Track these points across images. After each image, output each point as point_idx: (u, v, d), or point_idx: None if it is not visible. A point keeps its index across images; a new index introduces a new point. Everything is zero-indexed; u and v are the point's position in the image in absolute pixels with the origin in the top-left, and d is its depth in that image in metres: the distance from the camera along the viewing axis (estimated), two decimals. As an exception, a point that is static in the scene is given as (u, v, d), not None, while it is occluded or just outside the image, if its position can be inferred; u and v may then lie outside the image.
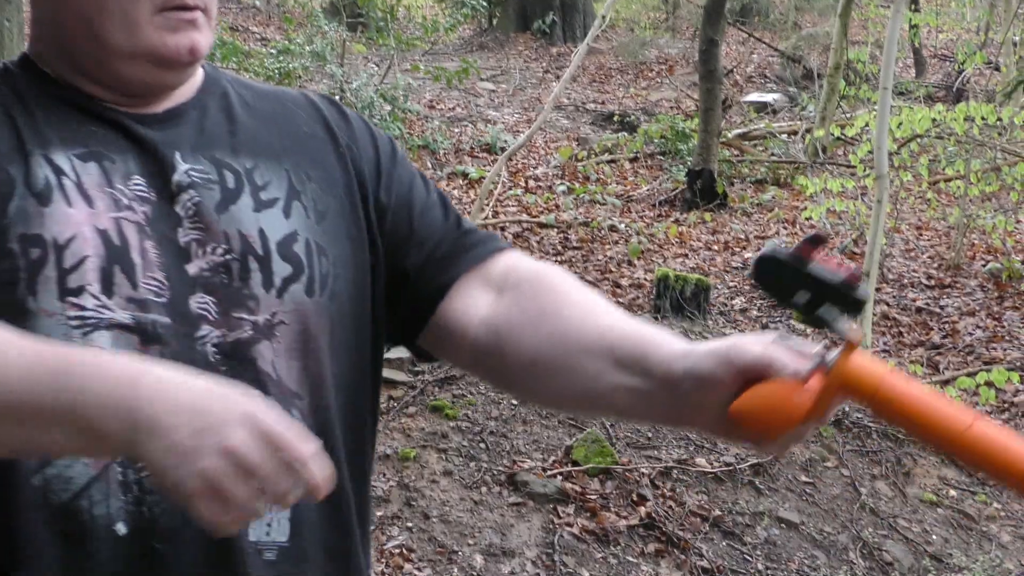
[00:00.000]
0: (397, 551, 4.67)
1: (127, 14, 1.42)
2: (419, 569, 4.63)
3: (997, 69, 16.32)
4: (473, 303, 1.60)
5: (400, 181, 1.65)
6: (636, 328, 1.54)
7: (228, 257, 1.43)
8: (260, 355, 1.42)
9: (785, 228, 11.77)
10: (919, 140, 11.24)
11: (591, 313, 1.58)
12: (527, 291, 1.61)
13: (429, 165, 11.74)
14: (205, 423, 1.14)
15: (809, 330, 7.32)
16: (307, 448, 1.16)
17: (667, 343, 1.48)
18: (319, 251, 1.48)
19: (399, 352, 6.20)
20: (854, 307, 1.37)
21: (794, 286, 1.38)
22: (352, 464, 1.55)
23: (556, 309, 1.58)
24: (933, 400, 1.35)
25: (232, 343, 1.40)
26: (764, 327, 8.95)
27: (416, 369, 5.88)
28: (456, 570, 4.68)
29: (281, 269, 1.45)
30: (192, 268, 1.40)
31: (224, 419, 1.14)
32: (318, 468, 1.17)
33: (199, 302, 1.39)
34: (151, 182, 1.43)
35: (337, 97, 11.38)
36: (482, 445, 5.49)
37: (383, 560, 4.61)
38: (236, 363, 1.40)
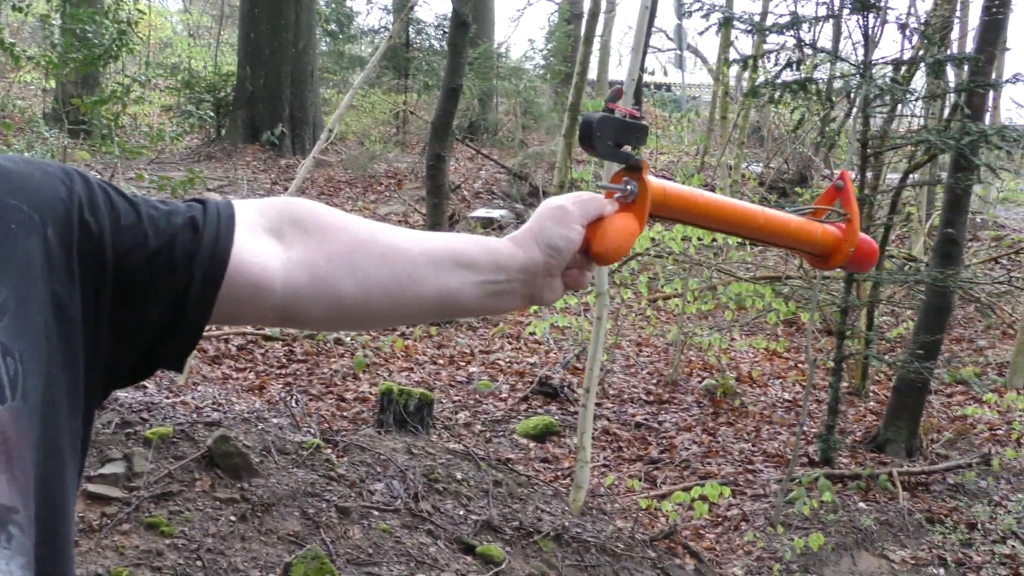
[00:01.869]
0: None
1: None
2: None
3: (713, 191, 16.95)
4: (260, 263, 1.54)
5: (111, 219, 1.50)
6: (461, 237, 1.71)
7: None
8: None
9: (510, 343, 11.94)
10: (639, 258, 11.58)
11: (406, 232, 1.65)
12: (319, 226, 1.61)
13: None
14: None
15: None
16: None
17: (497, 242, 1.70)
18: (3, 351, 1.37)
19: (113, 468, 6.09)
20: (641, 136, 1.74)
21: (604, 134, 1.71)
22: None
23: (372, 235, 1.62)
24: (707, 195, 1.83)
25: None
26: (488, 441, 9.02)
27: (131, 485, 5.74)
28: None
29: None
30: None
31: None
32: None
33: None
34: None
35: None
36: (199, 563, 5.38)
37: None
38: None
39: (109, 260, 1.40)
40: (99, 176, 13.12)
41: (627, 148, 1.75)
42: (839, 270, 2.19)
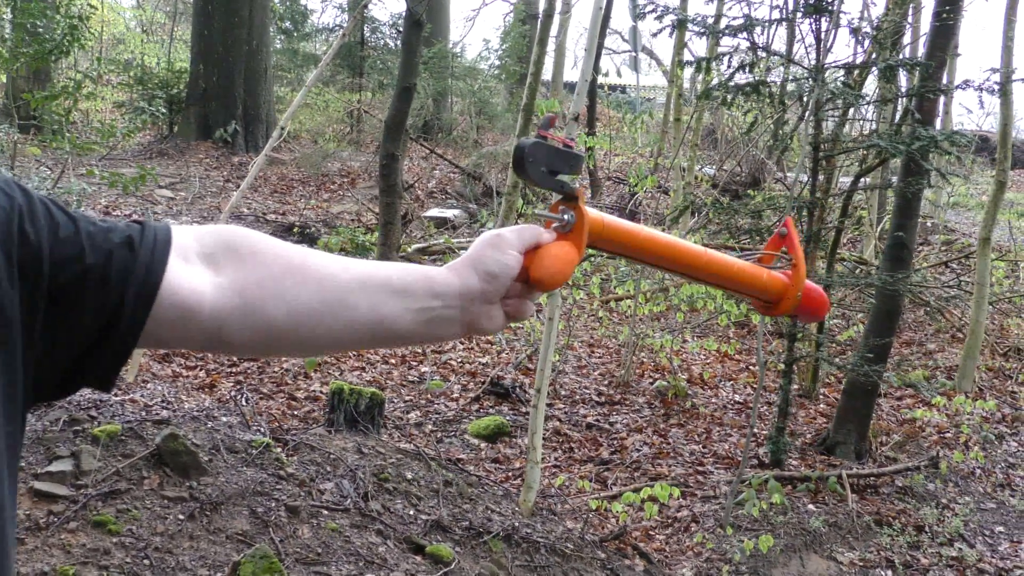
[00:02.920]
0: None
1: None
2: None
3: (666, 193, 16.98)
4: (190, 286, 1.52)
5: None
6: (396, 264, 1.70)
7: None
8: None
9: (462, 343, 11.94)
10: (591, 259, 11.59)
11: (340, 259, 1.66)
12: (252, 252, 1.60)
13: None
14: None
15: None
16: None
17: (434, 270, 1.70)
18: None
19: (61, 465, 6.05)
20: (575, 165, 1.75)
21: (536, 160, 1.71)
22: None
23: (303, 261, 1.62)
24: (646, 230, 1.83)
25: None
26: (439, 441, 9.01)
27: (79, 483, 5.71)
28: None
29: None
30: None
31: None
32: None
33: None
34: None
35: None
36: (146, 562, 5.36)
37: None
38: None
39: (45, 270, 1.39)
40: (50, 172, 13.06)
41: (562, 176, 1.76)
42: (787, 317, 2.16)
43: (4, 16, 14.34)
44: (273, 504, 6.06)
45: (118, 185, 13.34)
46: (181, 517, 5.75)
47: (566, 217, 1.75)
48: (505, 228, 1.72)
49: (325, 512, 6.20)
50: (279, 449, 6.60)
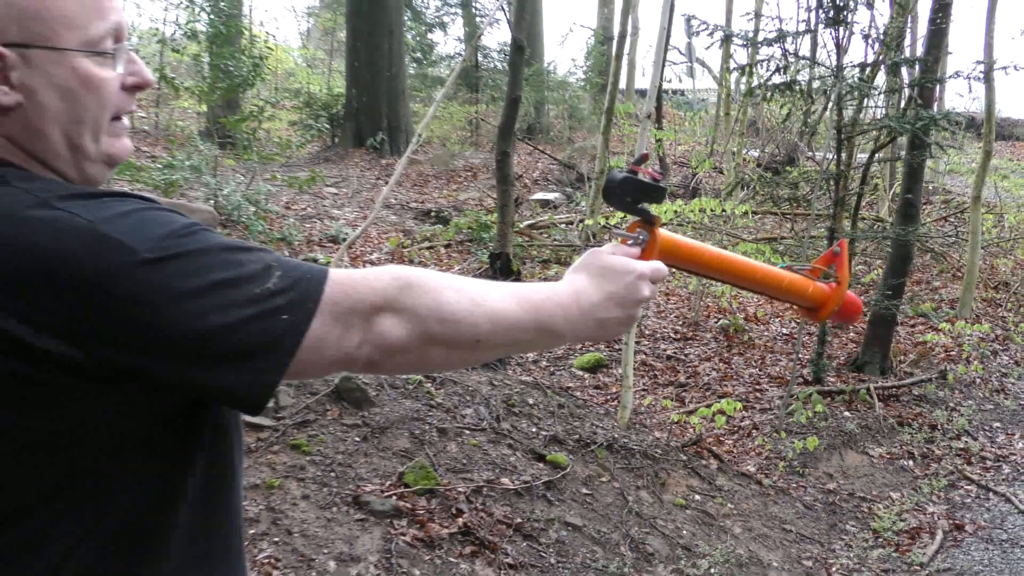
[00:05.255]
0: (267, 561, 4.58)
1: (98, 122, 1.40)
2: (285, 574, 4.56)
3: (721, 172, 16.81)
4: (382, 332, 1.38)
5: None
6: (536, 286, 1.58)
7: None
8: None
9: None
10: (666, 226, 11.50)
11: (497, 289, 1.52)
12: (428, 297, 1.42)
13: (286, 254, 11.59)
14: None
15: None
16: None
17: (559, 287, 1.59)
18: None
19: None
20: (658, 197, 1.68)
21: (623, 192, 1.66)
22: None
23: (480, 296, 1.46)
24: (714, 250, 1.81)
25: None
26: (552, 374, 9.00)
27: (278, 416, 5.79)
28: (314, 574, 4.62)
29: None
30: None
31: None
32: None
33: None
34: None
35: (211, 202, 11.22)
36: (332, 474, 5.43)
37: (255, 569, 4.52)
38: None
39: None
40: (243, 178, 13.20)
41: (645, 205, 1.69)
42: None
43: (204, 60, 14.51)
44: (426, 427, 6.10)
45: (295, 185, 13.50)
46: (357, 439, 5.81)
47: (641, 237, 1.70)
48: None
49: (467, 432, 6.24)
50: (429, 384, 6.64)
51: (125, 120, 1.47)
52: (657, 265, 1.64)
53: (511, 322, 1.47)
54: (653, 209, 1.71)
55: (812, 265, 2.00)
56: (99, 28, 1.38)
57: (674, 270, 1.80)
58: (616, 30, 15.37)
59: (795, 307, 2.05)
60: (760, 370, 9.47)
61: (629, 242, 1.70)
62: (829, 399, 8.56)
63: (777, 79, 9.41)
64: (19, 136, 1.36)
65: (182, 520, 1.42)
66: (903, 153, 10.18)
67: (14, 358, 1.21)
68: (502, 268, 11.29)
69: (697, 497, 6.56)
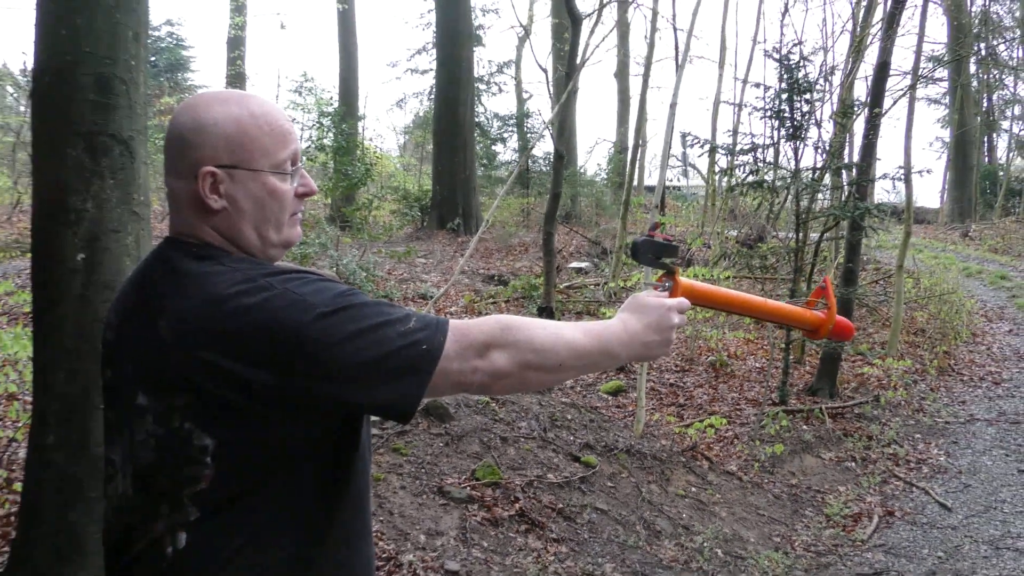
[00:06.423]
0: (375, 535, 4.61)
1: (280, 220, 1.47)
2: (388, 544, 4.58)
3: (709, 247, 16.74)
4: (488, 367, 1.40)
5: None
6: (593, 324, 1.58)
7: None
8: None
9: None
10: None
11: (568, 326, 1.53)
12: (523, 338, 1.43)
13: (388, 307, 11.57)
14: None
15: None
16: None
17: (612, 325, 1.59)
18: None
19: (373, 417, 6.17)
20: (673, 253, 1.71)
21: (646, 251, 1.69)
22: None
23: (558, 332, 1.48)
24: (723, 290, 1.78)
25: None
26: (584, 396, 8.98)
27: (383, 426, 5.83)
28: (409, 544, 4.63)
29: None
30: None
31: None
32: None
33: None
34: None
35: (334, 269, 11.34)
36: (422, 470, 5.44)
37: (367, 540, 4.54)
38: None
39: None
40: (357, 252, 13.34)
41: (665, 259, 1.71)
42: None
43: (329, 165, 14.75)
44: (492, 435, 6.11)
45: (395, 257, 13.62)
46: (441, 444, 5.83)
47: (667, 284, 1.72)
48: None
49: (522, 439, 6.24)
50: (494, 404, 6.66)
51: (299, 215, 1.54)
52: (681, 300, 1.66)
53: (582, 348, 1.49)
54: (673, 264, 1.74)
55: (808, 299, 2.03)
56: (283, 154, 1.46)
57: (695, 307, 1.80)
58: (630, 143, 15.44)
59: (800, 330, 2.05)
60: (740, 394, 9.37)
61: (659, 288, 1.72)
62: (792, 416, 8.45)
63: (751, 179, 9.44)
64: (224, 230, 1.44)
65: (343, 506, 1.47)
66: (845, 233, 10.11)
67: (234, 389, 1.29)
68: (547, 319, 11.29)
69: (693, 489, 6.50)
